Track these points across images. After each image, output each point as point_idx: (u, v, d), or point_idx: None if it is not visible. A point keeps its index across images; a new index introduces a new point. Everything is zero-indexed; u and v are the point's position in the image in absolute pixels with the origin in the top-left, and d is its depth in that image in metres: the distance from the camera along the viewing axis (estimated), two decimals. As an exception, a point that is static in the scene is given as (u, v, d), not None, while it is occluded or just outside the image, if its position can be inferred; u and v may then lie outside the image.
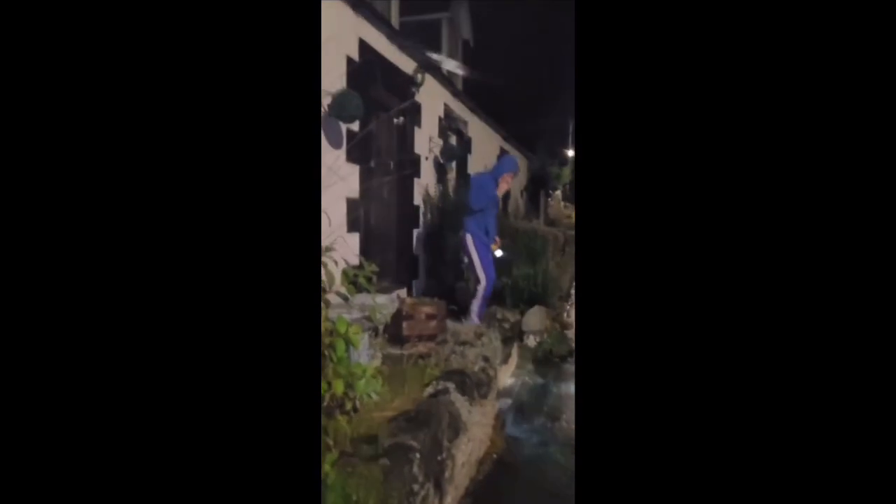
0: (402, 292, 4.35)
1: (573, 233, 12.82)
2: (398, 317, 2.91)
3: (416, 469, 1.63)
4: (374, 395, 1.83)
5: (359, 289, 1.82)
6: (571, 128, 19.34)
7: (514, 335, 4.09)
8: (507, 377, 3.46)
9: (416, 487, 1.61)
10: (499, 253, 3.95)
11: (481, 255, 3.79)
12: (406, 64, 4.38)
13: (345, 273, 1.80)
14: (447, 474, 1.90)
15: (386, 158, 4.36)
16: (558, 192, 14.97)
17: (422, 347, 2.82)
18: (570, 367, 3.73)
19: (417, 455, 1.67)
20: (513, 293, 4.67)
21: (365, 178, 3.70)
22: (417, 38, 5.14)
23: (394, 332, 2.91)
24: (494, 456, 2.37)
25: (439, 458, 1.85)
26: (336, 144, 3.29)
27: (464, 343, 3.06)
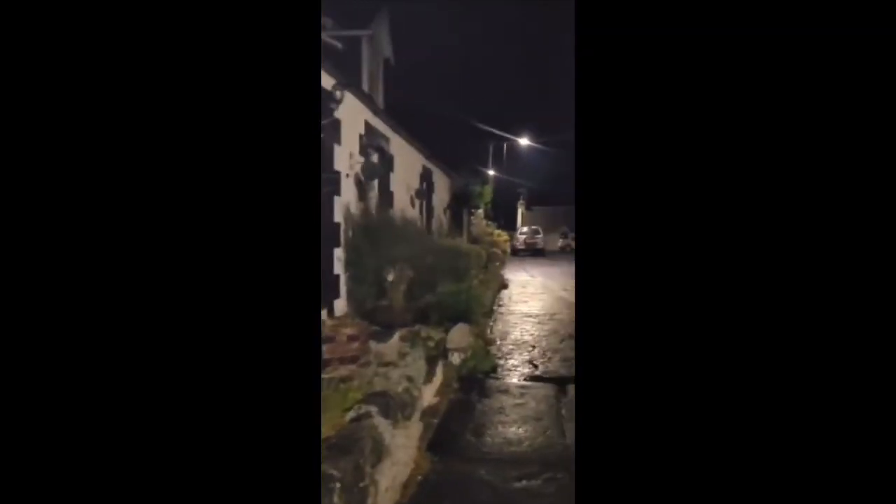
0: (323, 313, 4.20)
1: (496, 250, 13.14)
2: (318, 339, 2.79)
3: (336, 499, 1.55)
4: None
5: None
6: (492, 149, 19.90)
7: (438, 353, 4.07)
8: (431, 396, 3.42)
9: (336, 519, 1.52)
10: None
11: None
12: (324, 81, 4.31)
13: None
14: (370, 501, 1.83)
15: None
16: (480, 211, 15.31)
17: (343, 370, 2.72)
18: (494, 383, 3.77)
19: (338, 484, 1.59)
20: (437, 311, 4.66)
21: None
22: (337, 55, 5.08)
23: (313, 355, 2.78)
24: (419, 478, 2.32)
25: (361, 484, 1.77)
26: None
27: (387, 364, 3.00)
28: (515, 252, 22.22)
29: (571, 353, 4.65)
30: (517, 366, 4.21)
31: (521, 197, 41.23)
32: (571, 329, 5.80)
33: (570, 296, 8.87)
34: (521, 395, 3.48)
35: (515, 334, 5.44)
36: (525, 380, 3.86)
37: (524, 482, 2.27)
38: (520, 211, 40.86)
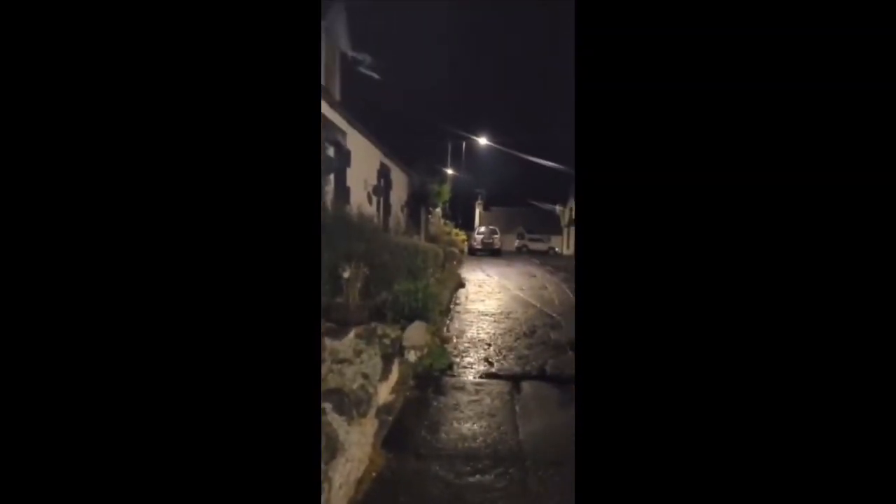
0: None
1: (453, 249, 13.21)
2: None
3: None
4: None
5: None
6: (450, 148, 19.98)
7: (394, 351, 4.06)
8: (386, 393, 3.41)
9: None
10: None
11: None
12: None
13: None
14: (324, 498, 1.80)
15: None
16: (438, 210, 15.34)
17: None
18: (450, 380, 3.79)
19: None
20: (393, 309, 4.65)
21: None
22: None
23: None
24: (374, 474, 2.31)
25: (314, 483, 1.74)
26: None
27: (342, 361, 2.96)
28: (473, 252, 22.38)
29: (526, 351, 4.74)
30: (473, 363, 4.25)
31: (480, 197, 41.62)
32: (527, 327, 5.90)
33: (526, 295, 9.03)
34: (477, 392, 3.52)
35: (472, 332, 5.48)
36: (481, 377, 3.90)
37: (477, 477, 2.30)
38: (477, 211, 41.25)
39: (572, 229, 36.58)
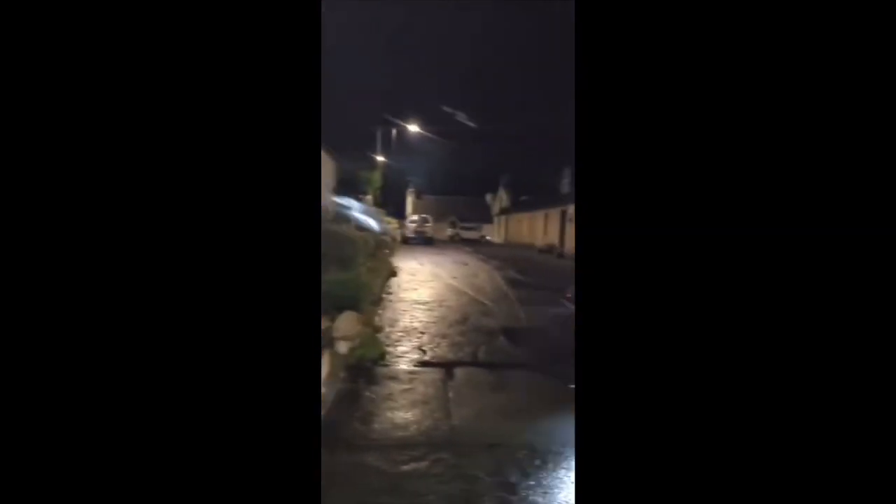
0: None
1: (385, 238, 13.03)
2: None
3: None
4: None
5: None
6: (380, 135, 19.71)
7: (325, 342, 3.96)
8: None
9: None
10: None
11: None
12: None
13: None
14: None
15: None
16: (369, 197, 15.10)
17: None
18: (383, 370, 3.75)
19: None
20: (323, 299, 4.52)
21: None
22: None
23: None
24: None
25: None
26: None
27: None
28: (405, 240, 22.29)
29: (459, 338, 4.79)
30: (407, 352, 4.23)
31: (411, 185, 41.47)
32: (459, 315, 5.97)
33: (459, 283, 9.13)
34: (410, 380, 3.51)
35: (405, 321, 5.47)
36: (414, 365, 3.89)
37: (412, 465, 2.29)
38: (409, 199, 41.11)
39: (503, 218, 37.41)
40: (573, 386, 3.47)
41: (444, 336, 4.86)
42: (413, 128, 20.51)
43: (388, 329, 5.02)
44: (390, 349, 4.28)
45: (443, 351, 4.33)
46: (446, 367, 3.87)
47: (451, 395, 3.26)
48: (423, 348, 4.38)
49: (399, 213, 31.84)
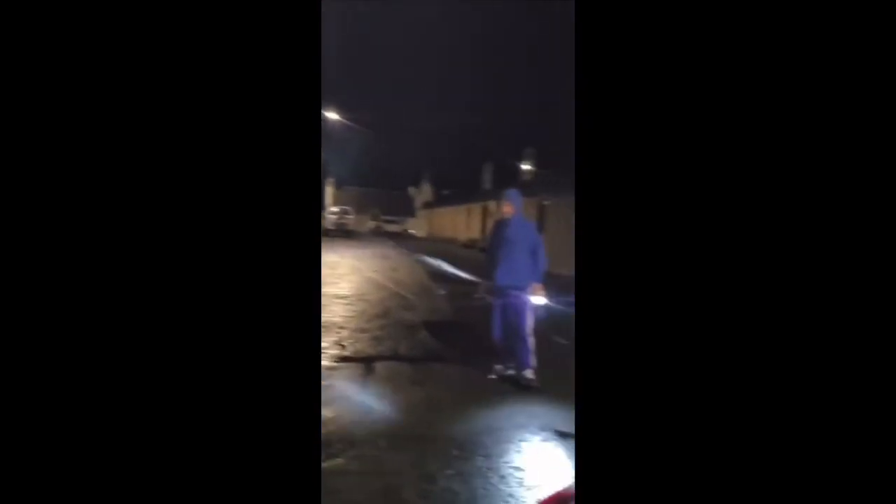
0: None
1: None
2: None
3: None
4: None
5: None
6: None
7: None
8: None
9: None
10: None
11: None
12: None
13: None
14: None
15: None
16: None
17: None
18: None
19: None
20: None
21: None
22: None
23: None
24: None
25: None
26: None
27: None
28: (325, 232, 21.73)
29: (380, 333, 4.78)
30: (326, 347, 4.15)
31: (331, 175, 40.42)
32: (379, 309, 5.94)
33: (380, 277, 9.07)
34: (329, 376, 3.45)
35: (324, 316, 5.35)
36: (333, 361, 3.83)
37: (330, 462, 2.26)
38: (329, 190, 40.06)
39: (426, 212, 37.55)
40: (493, 376, 3.60)
41: (364, 331, 4.82)
42: (333, 115, 19.80)
43: (306, 324, 4.88)
44: (309, 345, 4.17)
45: (363, 346, 4.30)
46: (366, 361, 3.85)
47: (371, 390, 3.25)
48: (343, 343, 4.32)
49: (319, 205, 30.91)
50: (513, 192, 3.65)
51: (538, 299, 3.48)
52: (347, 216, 24.11)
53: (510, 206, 3.56)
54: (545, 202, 14.00)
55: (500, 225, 3.66)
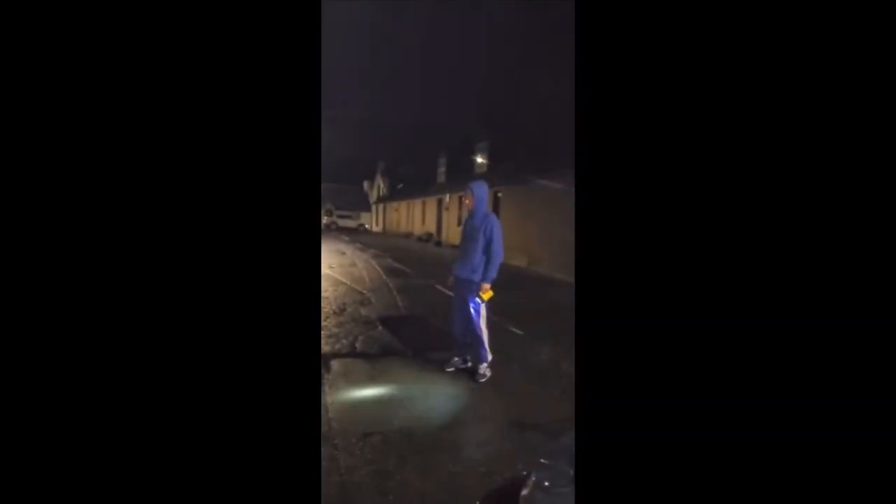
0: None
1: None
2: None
3: None
4: None
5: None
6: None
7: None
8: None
9: None
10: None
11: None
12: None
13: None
14: None
15: None
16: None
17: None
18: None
19: None
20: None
21: None
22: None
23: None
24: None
25: None
26: None
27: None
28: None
29: (336, 329, 4.71)
30: (279, 347, 4.05)
31: (283, 171, 39.42)
32: (336, 305, 5.86)
33: (335, 273, 8.93)
34: (284, 375, 3.37)
35: (277, 314, 5.21)
36: (287, 360, 3.74)
37: (286, 464, 2.21)
38: (282, 186, 39.01)
39: (381, 206, 37.23)
40: (450, 369, 3.62)
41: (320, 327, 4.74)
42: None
43: (259, 324, 4.75)
44: (262, 345, 4.06)
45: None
46: (322, 358, 3.78)
47: (326, 387, 3.20)
48: (298, 342, 4.22)
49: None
50: (476, 184, 3.60)
51: (486, 296, 3.47)
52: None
53: (470, 199, 3.57)
54: (499, 193, 14.16)
55: (467, 218, 3.67)
